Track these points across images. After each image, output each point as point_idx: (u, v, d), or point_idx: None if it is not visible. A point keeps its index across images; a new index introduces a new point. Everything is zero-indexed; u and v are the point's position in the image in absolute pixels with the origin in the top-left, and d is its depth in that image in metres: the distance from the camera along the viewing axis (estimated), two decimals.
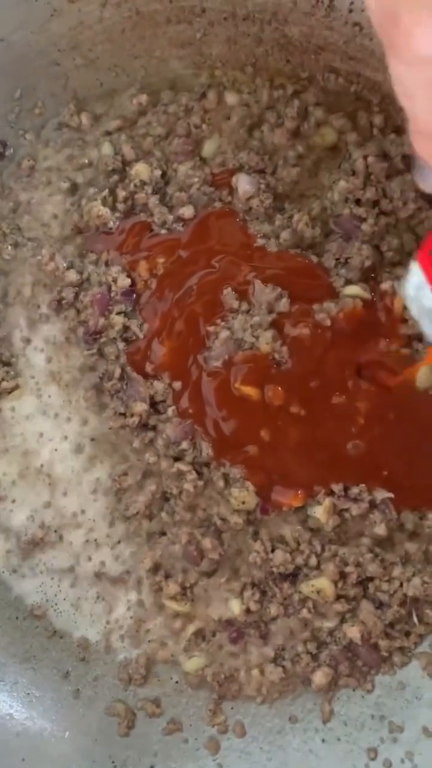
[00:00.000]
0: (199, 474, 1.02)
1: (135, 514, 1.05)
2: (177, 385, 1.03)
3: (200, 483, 1.02)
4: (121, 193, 1.06)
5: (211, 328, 1.02)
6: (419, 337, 1.03)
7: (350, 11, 1.02)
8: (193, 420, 1.02)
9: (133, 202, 1.06)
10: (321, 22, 1.04)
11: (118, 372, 1.04)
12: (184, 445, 1.02)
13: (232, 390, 1.00)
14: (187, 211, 1.05)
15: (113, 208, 1.06)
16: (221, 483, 1.01)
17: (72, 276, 1.06)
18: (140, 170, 1.06)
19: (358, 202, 1.05)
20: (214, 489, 1.03)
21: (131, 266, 1.05)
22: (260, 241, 1.04)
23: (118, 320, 1.04)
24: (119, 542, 1.06)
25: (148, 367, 1.05)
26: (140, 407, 1.03)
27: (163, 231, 1.06)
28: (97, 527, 1.06)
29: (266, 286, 1.02)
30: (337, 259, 1.05)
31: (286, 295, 1.02)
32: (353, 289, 1.03)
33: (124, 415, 1.05)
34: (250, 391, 1.00)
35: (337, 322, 1.01)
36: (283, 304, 1.01)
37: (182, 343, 1.03)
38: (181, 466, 1.02)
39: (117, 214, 1.06)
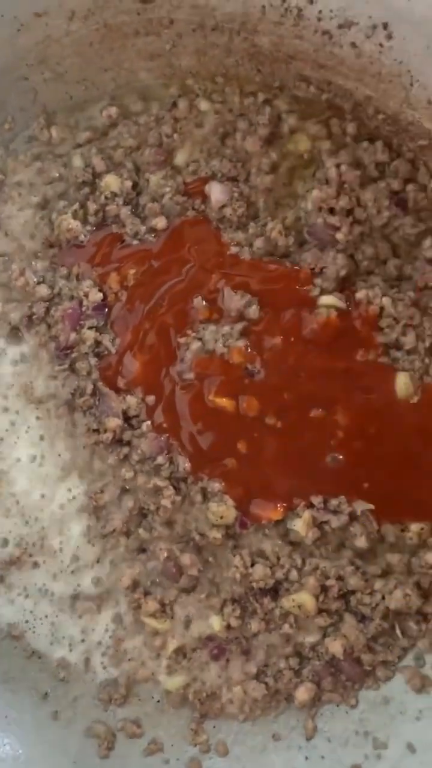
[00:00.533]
0: (177, 489, 1.01)
1: (112, 531, 1.04)
2: (150, 399, 1.02)
3: (178, 498, 1.01)
4: (92, 206, 1.05)
5: (182, 340, 1.01)
6: (396, 345, 1.02)
7: (319, 20, 1.02)
8: (168, 434, 1.01)
9: (105, 214, 1.06)
10: (290, 31, 1.04)
11: (90, 388, 1.04)
12: (160, 459, 1.01)
13: (207, 402, 0.99)
14: (160, 222, 1.05)
15: (84, 221, 1.06)
16: (199, 497, 1.00)
17: (43, 291, 1.05)
18: (110, 182, 1.05)
19: (331, 211, 1.04)
20: (192, 504, 1.01)
21: (102, 279, 1.05)
22: (233, 249, 1.03)
23: (90, 335, 1.03)
24: (97, 560, 1.05)
25: (121, 382, 1.04)
26: (114, 422, 1.02)
27: (135, 242, 1.05)
28: (74, 545, 1.05)
29: (236, 293, 1.01)
30: (312, 269, 1.04)
31: (255, 301, 1.01)
32: (328, 299, 1.02)
33: (97, 431, 1.04)
34: (224, 402, 0.99)
35: (312, 333, 1.00)
36: (253, 311, 1.01)
37: (154, 355, 1.03)
38: (158, 481, 1.01)
39: (88, 227, 1.06)
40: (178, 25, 1.05)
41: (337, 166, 1.04)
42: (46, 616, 1.05)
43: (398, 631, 1.01)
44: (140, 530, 1.03)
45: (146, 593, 1.03)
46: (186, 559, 1.01)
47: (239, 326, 1.00)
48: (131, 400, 1.03)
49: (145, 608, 1.02)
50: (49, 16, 1.02)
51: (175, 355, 1.02)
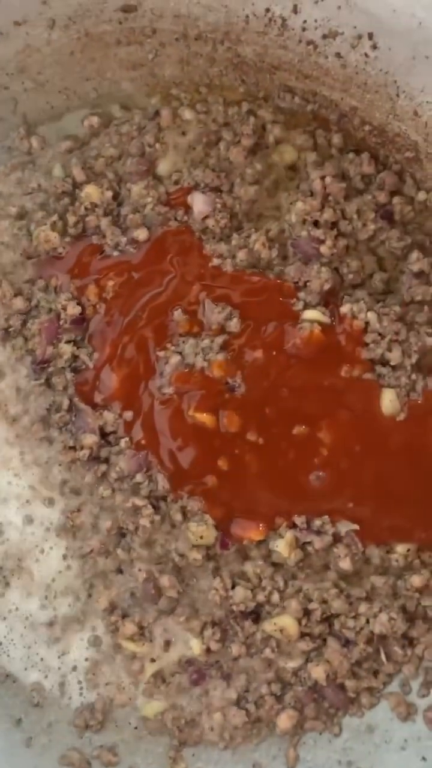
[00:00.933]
0: (156, 508, 0.99)
1: (90, 552, 1.01)
2: (128, 415, 1.00)
3: (157, 518, 0.98)
4: (72, 217, 1.03)
5: (161, 353, 0.99)
6: (382, 361, 1.00)
7: (304, 30, 1.00)
8: (147, 451, 0.99)
9: (85, 225, 1.04)
10: (274, 41, 1.02)
11: (66, 403, 1.01)
12: (139, 477, 0.99)
13: (186, 418, 0.97)
14: (142, 234, 1.03)
15: (63, 233, 1.04)
16: (179, 517, 0.98)
17: (19, 303, 1.03)
18: (90, 192, 1.03)
19: (316, 223, 1.02)
20: (171, 524, 0.99)
21: (80, 291, 1.03)
22: (216, 261, 1.02)
23: (67, 349, 1.01)
24: (74, 581, 1.02)
25: (98, 398, 1.02)
26: (90, 439, 1.00)
27: (116, 253, 1.03)
28: (50, 566, 1.02)
29: (216, 306, 0.99)
30: (295, 283, 1.02)
31: (236, 314, 0.99)
32: (312, 314, 1.00)
33: (74, 448, 1.01)
34: (204, 418, 0.97)
35: (294, 347, 0.98)
36: (234, 324, 0.99)
37: (133, 370, 1.01)
38: (137, 500, 0.98)
39: (67, 239, 1.04)
40: (160, 35, 1.04)
41: (322, 178, 1.02)
42: (21, 638, 1.02)
43: (383, 656, 0.98)
44: (119, 550, 1.01)
45: (124, 615, 1.01)
46: (165, 580, 0.98)
47: (219, 339, 0.98)
48: (108, 416, 1.00)
49: (123, 631, 0.99)
50: (29, 25, 1.01)
51: (154, 370, 1.00)
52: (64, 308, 1.02)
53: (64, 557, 1.02)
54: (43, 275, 1.05)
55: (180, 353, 0.99)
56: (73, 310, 1.01)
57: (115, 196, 1.05)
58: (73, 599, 1.02)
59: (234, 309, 1.00)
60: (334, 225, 1.02)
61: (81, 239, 1.05)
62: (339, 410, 0.99)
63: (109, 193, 1.04)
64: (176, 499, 0.99)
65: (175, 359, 0.98)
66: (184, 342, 0.99)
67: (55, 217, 1.03)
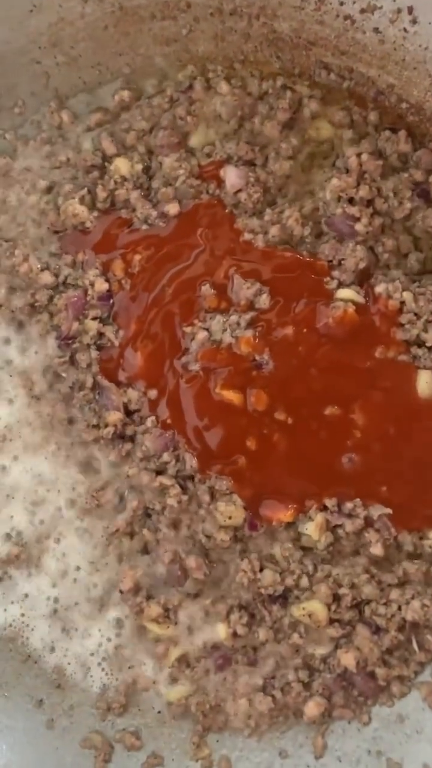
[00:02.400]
0: (183, 488, 0.98)
1: (115, 531, 1.00)
2: (153, 393, 0.99)
3: (185, 497, 0.97)
4: (101, 192, 1.03)
5: (187, 329, 0.98)
6: (418, 342, 0.98)
7: (341, 4, 1.00)
8: (174, 430, 0.98)
9: (114, 198, 1.04)
10: (311, 16, 1.02)
11: (89, 381, 1.01)
12: (166, 457, 0.98)
13: (213, 395, 0.96)
14: (173, 208, 1.02)
15: (92, 207, 1.03)
16: (207, 497, 0.97)
17: (47, 278, 1.02)
18: (119, 165, 1.03)
19: (351, 201, 1.01)
20: (199, 504, 0.98)
21: (106, 266, 1.02)
22: (247, 236, 1.01)
23: (93, 326, 1.01)
24: (98, 562, 1.01)
25: (122, 376, 1.01)
26: (114, 416, 0.99)
27: (145, 227, 1.02)
28: (74, 546, 1.01)
29: (246, 281, 0.98)
30: (329, 261, 1.01)
31: (266, 290, 0.98)
32: (346, 293, 0.98)
33: (97, 426, 1.00)
34: (231, 395, 0.96)
35: (327, 327, 0.97)
36: (263, 300, 0.97)
37: (158, 346, 1.00)
38: (164, 480, 0.97)
39: (95, 213, 1.03)
40: (195, 9, 1.03)
41: (358, 155, 1.01)
42: (43, 619, 1.01)
43: (415, 645, 0.97)
44: (144, 531, 1.00)
45: (149, 597, 0.99)
46: (192, 561, 0.97)
47: (248, 315, 0.97)
48: (132, 394, 0.99)
49: (148, 613, 0.98)
50: None
51: (180, 347, 0.99)
52: (92, 284, 1.01)
53: (89, 537, 1.01)
54: (70, 250, 1.04)
55: (207, 329, 0.98)
56: (101, 286, 1.01)
57: (146, 170, 1.04)
58: (97, 580, 1.01)
59: (264, 285, 0.98)
60: (369, 203, 1.01)
61: (109, 213, 1.04)
62: (373, 391, 0.98)
63: (139, 166, 1.04)
64: (204, 479, 0.98)
65: (202, 335, 0.97)
66: (211, 318, 0.99)
67: (84, 191, 1.03)
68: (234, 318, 0.97)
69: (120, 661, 1.00)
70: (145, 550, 1.01)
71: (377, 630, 0.96)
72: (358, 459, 0.97)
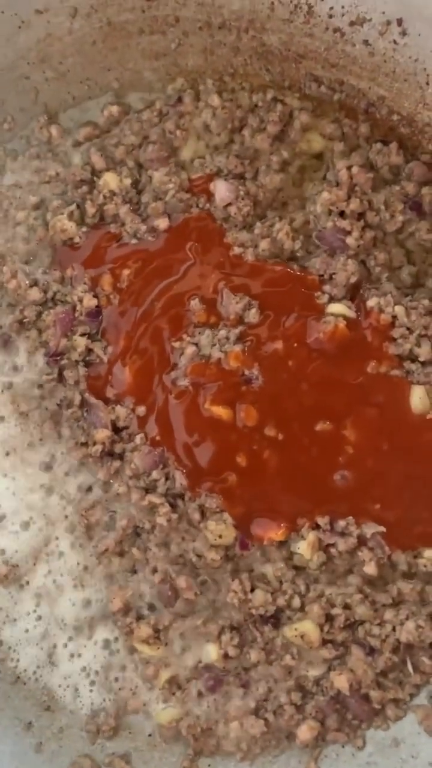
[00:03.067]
0: (173, 506, 0.97)
1: (104, 551, 0.99)
2: (141, 410, 0.99)
3: (174, 516, 0.96)
4: (90, 207, 1.03)
5: (176, 344, 0.98)
6: (410, 357, 0.97)
7: (330, 17, 0.99)
8: (163, 448, 0.97)
9: (103, 213, 1.03)
10: (300, 29, 1.01)
11: (77, 399, 1.00)
12: (155, 474, 0.97)
13: (202, 411, 0.95)
14: (162, 223, 1.02)
15: (81, 222, 1.03)
16: (197, 515, 0.96)
17: (35, 294, 1.02)
18: (108, 180, 1.03)
19: (342, 214, 1.00)
20: (189, 522, 0.97)
21: (94, 281, 1.02)
22: (237, 250, 1.00)
23: (81, 342, 1.00)
24: (87, 582, 1.00)
25: (110, 392, 1.00)
26: (102, 434, 0.98)
27: (134, 241, 1.02)
28: (63, 565, 1.01)
29: (235, 296, 0.97)
30: (320, 275, 1.00)
31: (255, 305, 0.97)
32: (337, 308, 0.98)
33: (85, 444, 0.99)
34: (220, 411, 0.95)
35: (318, 342, 0.96)
36: (253, 315, 0.97)
37: (147, 362, 1.00)
38: (153, 498, 0.96)
39: (84, 228, 1.03)
40: (183, 23, 1.03)
41: (349, 167, 1.01)
42: (32, 640, 1.00)
43: (410, 667, 0.95)
44: (134, 550, 0.99)
45: (139, 618, 0.98)
46: (182, 581, 0.96)
47: (237, 330, 0.96)
48: (120, 411, 0.99)
49: (138, 634, 0.97)
50: (50, 14, 1.01)
51: (169, 362, 0.99)
52: (80, 300, 1.01)
53: (78, 557, 1.00)
54: (59, 266, 1.04)
55: (196, 344, 0.97)
56: (89, 302, 1.00)
57: (135, 184, 1.04)
58: (87, 600, 1.00)
59: (253, 299, 0.98)
60: (360, 216, 1.01)
61: (99, 228, 1.04)
62: (365, 407, 0.97)
63: (128, 181, 1.04)
64: (194, 498, 0.97)
65: (190, 350, 0.97)
66: (200, 333, 0.98)
67: (72, 207, 1.03)
68: (223, 333, 0.97)
69: (110, 683, 0.99)
70: (134, 570, 1.00)
71: (371, 651, 0.94)
72: (351, 476, 0.96)
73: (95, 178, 1.05)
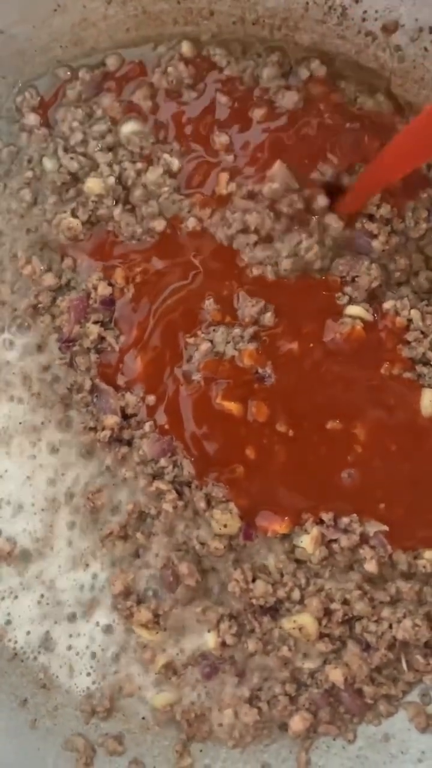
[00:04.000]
0: (180, 494, 0.98)
1: (109, 534, 1.00)
2: (151, 399, 1.00)
3: (180, 503, 0.97)
4: (82, 213, 1.03)
5: (191, 340, 0.99)
6: (423, 360, 0.99)
7: (363, 20, 1.01)
8: (172, 436, 0.98)
9: (98, 217, 1.04)
10: (332, 30, 1.03)
11: (88, 384, 1.01)
12: (163, 462, 0.98)
13: (213, 405, 0.97)
14: (159, 225, 1.03)
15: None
16: (203, 504, 0.97)
17: (49, 280, 1.03)
18: (92, 186, 1.02)
19: (371, 217, 1.01)
20: (195, 511, 0.98)
21: (107, 273, 1.03)
22: (255, 271, 1.01)
23: (94, 329, 1.01)
24: (90, 564, 1.01)
25: (121, 380, 1.02)
26: (111, 420, 0.99)
27: (134, 242, 1.03)
28: (66, 547, 1.02)
29: (251, 299, 0.99)
30: (342, 277, 1.01)
31: (271, 308, 0.99)
32: (356, 310, 1.00)
33: (94, 429, 1.01)
34: (231, 406, 0.97)
35: (334, 342, 0.98)
36: (268, 318, 0.99)
37: (158, 355, 1.01)
38: (161, 484, 0.98)
39: (88, 225, 1.04)
40: (218, 17, 1.05)
41: None
42: (31, 618, 1.01)
43: (404, 664, 0.97)
44: (138, 534, 1.00)
45: (139, 602, 1.00)
46: (184, 568, 0.98)
47: (251, 329, 0.98)
48: (130, 398, 1.00)
49: (137, 617, 0.98)
50: None
51: (181, 356, 1.00)
52: (95, 287, 1.02)
53: (82, 538, 1.02)
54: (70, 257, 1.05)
55: (210, 341, 0.99)
56: (104, 290, 1.01)
57: (120, 180, 1.04)
58: (88, 582, 1.01)
59: (269, 303, 0.99)
60: (388, 221, 1.02)
61: (99, 225, 1.04)
62: (376, 408, 0.99)
63: (112, 180, 1.03)
64: (201, 486, 0.98)
65: (205, 346, 0.98)
66: (215, 330, 0.99)
67: (73, 204, 1.03)
68: (237, 331, 0.99)
69: (107, 665, 1.00)
70: (137, 554, 1.01)
71: (367, 647, 0.96)
72: (358, 475, 0.97)
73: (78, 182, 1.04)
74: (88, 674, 1.00)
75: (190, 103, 1.05)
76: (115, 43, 1.06)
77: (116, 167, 1.04)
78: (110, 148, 1.05)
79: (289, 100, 1.02)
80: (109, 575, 1.01)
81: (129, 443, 1.01)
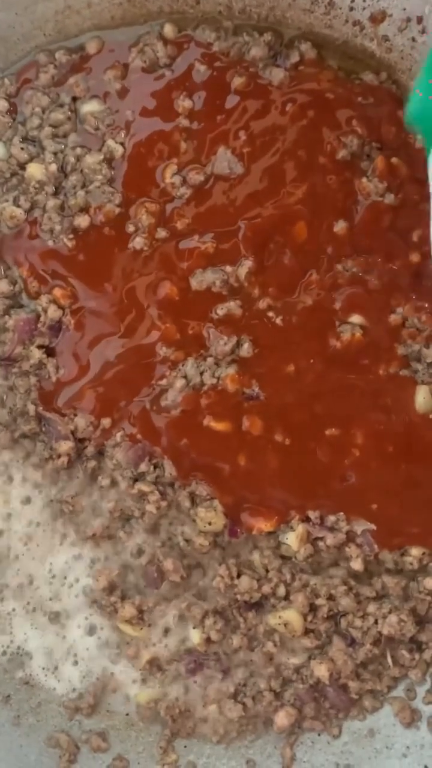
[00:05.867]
0: (163, 494, 0.98)
1: (92, 536, 1.00)
2: (106, 422, 0.99)
3: (164, 504, 0.97)
4: (24, 202, 1.03)
5: (162, 382, 0.99)
6: (417, 357, 1.00)
7: (351, 9, 1.02)
8: (146, 443, 0.98)
9: (36, 205, 1.03)
10: (320, 20, 1.04)
11: (32, 410, 1.00)
12: (143, 467, 0.98)
13: (201, 427, 0.97)
14: (83, 221, 1.02)
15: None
16: (187, 503, 0.98)
17: (3, 286, 1.02)
18: (33, 171, 1.02)
19: None
20: (179, 509, 0.99)
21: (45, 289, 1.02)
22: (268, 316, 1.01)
23: (36, 354, 1.01)
24: (74, 563, 1.02)
25: (60, 402, 1.01)
26: (65, 446, 1.00)
27: (50, 242, 1.02)
28: (49, 548, 1.02)
29: (222, 337, 0.99)
30: None
31: (247, 339, 0.99)
32: (356, 318, 1.00)
33: (51, 458, 1.01)
34: (221, 426, 0.97)
35: (334, 351, 0.99)
36: (246, 350, 0.99)
37: (110, 391, 1.00)
38: (143, 486, 0.98)
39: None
40: (204, 5, 1.05)
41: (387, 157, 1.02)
42: (14, 613, 1.02)
43: (389, 659, 0.98)
44: (121, 533, 1.00)
45: (123, 597, 1.00)
46: (169, 564, 0.98)
47: (228, 359, 0.99)
48: (79, 422, 1.00)
49: (121, 614, 0.99)
50: None
51: (139, 390, 0.99)
52: (45, 310, 1.01)
53: (64, 539, 1.02)
54: (6, 256, 1.04)
55: (184, 377, 0.98)
56: (54, 314, 1.01)
57: (63, 168, 1.03)
58: (72, 580, 1.02)
59: (243, 335, 0.99)
60: None
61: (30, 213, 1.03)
62: (374, 411, 1.00)
63: (54, 167, 1.02)
64: (185, 486, 0.98)
65: (180, 383, 0.98)
66: (183, 365, 0.99)
67: (16, 192, 1.03)
68: (210, 360, 0.99)
69: (91, 661, 1.01)
70: (122, 551, 1.01)
71: (352, 642, 0.97)
72: (355, 477, 0.98)
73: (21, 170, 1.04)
74: (73, 671, 1.01)
75: (165, 76, 1.04)
76: (99, 32, 1.06)
77: (61, 155, 1.04)
78: (65, 135, 1.04)
79: (276, 76, 1.03)
80: (93, 572, 1.01)
81: (100, 453, 1.00)
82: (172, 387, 0.98)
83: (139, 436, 0.99)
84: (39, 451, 1.02)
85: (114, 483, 1.00)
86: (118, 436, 0.99)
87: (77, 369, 1.01)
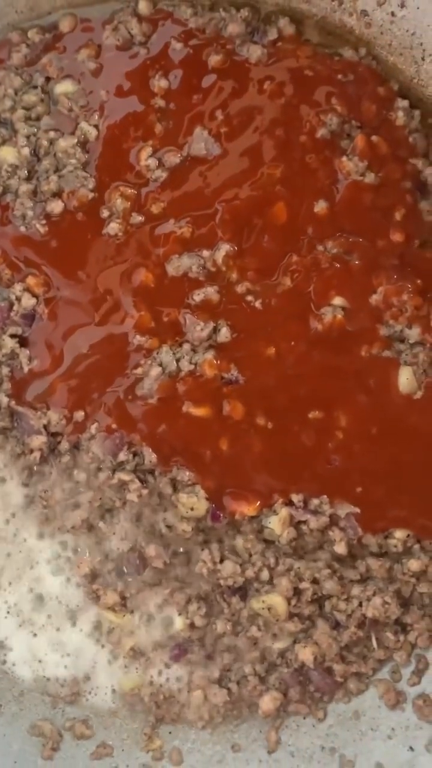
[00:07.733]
0: (143, 482, 0.98)
1: (71, 528, 1.01)
2: (79, 415, 0.99)
3: (145, 492, 0.98)
4: None
5: (138, 371, 0.99)
6: (400, 338, 1.00)
7: None
8: (122, 432, 0.98)
9: (8, 190, 1.03)
10: None
11: (4, 402, 1.00)
12: (122, 456, 0.99)
13: (180, 413, 0.97)
14: (56, 207, 1.01)
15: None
16: (168, 489, 0.98)
17: None
18: (5, 155, 1.01)
19: None
20: (160, 495, 0.99)
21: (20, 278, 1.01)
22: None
23: (8, 343, 1.00)
24: (53, 544, 1.02)
25: (30, 396, 1.00)
26: (37, 441, 0.99)
27: (22, 228, 1.01)
28: (28, 545, 1.02)
29: (199, 322, 0.99)
30: None
31: (225, 323, 0.99)
32: (338, 300, 1.00)
33: (23, 453, 1.01)
34: (201, 411, 0.98)
35: (315, 334, 0.99)
36: (224, 334, 0.99)
37: (83, 383, 0.99)
38: (123, 475, 0.98)
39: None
40: None
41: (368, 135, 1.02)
42: None
43: (374, 642, 0.99)
44: (101, 524, 1.00)
45: (106, 584, 1.00)
46: (151, 550, 0.99)
47: (205, 344, 0.99)
48: (52, 416, 1.00)
49: (104, 600, 1.00)
50: None
51: (113, 381, 0.99)
52: (18, 299, 1.01)
53: (43, 534, 1.02)
54: None
55: (159, 364, 0.98)
56: (28, 302, 1.00)
57: (36, 152, 1.02)
58: (54, 566, 1.02)
59: (221, 319, 0.99)
60: None
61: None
62: (357, 392, 1.00)
63: (27, 150, 1.02)
64: (166, 472, 0.99)
65: (155, 371, 0.98)
66: (157, 353, 0.99)
67: None
68: (187, 347, 0.99)
69: (73, 649, 1.02)
70: (103, 540, 1.01)
71: (337, 625, 0.99)
72: (339, 460, 0.99)
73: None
74: (54, 658, 1.02)
75: (140, 54, 1.04)
76: (72, 9, 1.05)
77: (33, 138, 1.03)
78: (38, 118, 1.04)
79: (253, 53, 1.02)
80: (74, 558, 1.02)
81: (75, 448, 1.00)
82: (148, 375, 0.98)
83: (114, 426, 0.99)
84: (11, 447, 1.02)
85: (91, 476, 1.00)
86: (93, 428, 0.99)
87: (50, 360, 1.01)
